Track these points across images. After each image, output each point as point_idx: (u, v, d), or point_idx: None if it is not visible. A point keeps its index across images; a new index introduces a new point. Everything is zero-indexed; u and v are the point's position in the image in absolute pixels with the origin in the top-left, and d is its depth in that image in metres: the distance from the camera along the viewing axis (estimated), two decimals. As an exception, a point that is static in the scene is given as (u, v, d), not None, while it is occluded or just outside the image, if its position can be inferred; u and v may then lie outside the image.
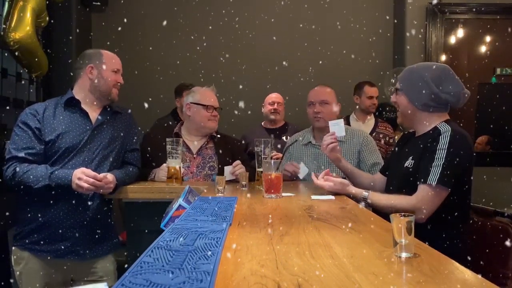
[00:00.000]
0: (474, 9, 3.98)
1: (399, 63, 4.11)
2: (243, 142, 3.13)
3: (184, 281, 0.72)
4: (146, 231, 1.69)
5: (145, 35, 4.25)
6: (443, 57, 4.03)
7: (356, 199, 1.77)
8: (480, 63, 4.02)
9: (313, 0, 4.32)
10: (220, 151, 2.32)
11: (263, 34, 4.25)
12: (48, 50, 3.03)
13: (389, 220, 0.96)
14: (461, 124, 1.86)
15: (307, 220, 1.31)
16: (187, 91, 2.70)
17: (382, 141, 3.37)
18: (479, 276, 0.79)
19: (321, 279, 0.76)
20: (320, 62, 4.12)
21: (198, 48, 4.16)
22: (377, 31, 4.35)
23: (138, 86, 3.82)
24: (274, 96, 3.63)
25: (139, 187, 2.04)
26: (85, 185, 1.78)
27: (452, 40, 4.08)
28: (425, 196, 1.60)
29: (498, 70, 4.06)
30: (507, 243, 1.61)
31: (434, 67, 1.74)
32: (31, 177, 1.79)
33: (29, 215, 1.87)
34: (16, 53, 2.51)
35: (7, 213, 2.30)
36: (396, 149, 1.97)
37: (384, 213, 1.51)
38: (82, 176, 1.78)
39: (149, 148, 2.22)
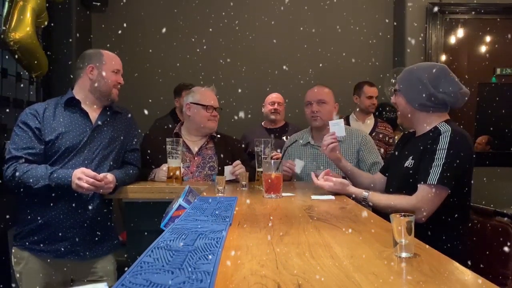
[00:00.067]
0: (474, 10, 3.98)
1: (399, 65, 4.09)
2: (243, 142, 3.13)
3: (184, 281, 0.72)
4: (146, 231, 1.69)
5: (145, 37, 4.24)
6: (443, 58, 4.02)
7: (356, 199, 1.77)
8: (480, 63, 4.01)
9: (313, 2, 4.32)
10: (220, 151, 2.32)
11: (263, 36, 4.25)
12: (48, 52, 3.02)
13: (389, 220, 0.96)
14: (461, 125, 1.86)
15: (307, 220, 1.30)
16: (187, 91, 2.69)
17: (382, 141, 3.37)
18: (479, 276, 0.79)
19: (321, 279, 0.76)
20: (320, 64, 4.12)
21: (198, 50, 4.16)
22: (377, 33, 4.35)
23: (138, 87, 3.81)
24: (274, 96, 3.62)
25: (139, 187, 2.04)
26: (85, 185, 1.78)
27: (452, 40, 4.08)
28: (425, 196, 1.60)
29: (498, 70, 4.06)
30: (507, 244, 1.61)
31: (432, 67, 1.74)
32: (31, 177, 1.79)
33: (29, 215, 1.87)
34: (16, 54, 2.51)
35: (7, 214, 2.30)
36: (396, 149, 1.97)
37: (384, 213, 1.51)
38: (82, 176, 1.78)
39: (148, 150, 2.23)
